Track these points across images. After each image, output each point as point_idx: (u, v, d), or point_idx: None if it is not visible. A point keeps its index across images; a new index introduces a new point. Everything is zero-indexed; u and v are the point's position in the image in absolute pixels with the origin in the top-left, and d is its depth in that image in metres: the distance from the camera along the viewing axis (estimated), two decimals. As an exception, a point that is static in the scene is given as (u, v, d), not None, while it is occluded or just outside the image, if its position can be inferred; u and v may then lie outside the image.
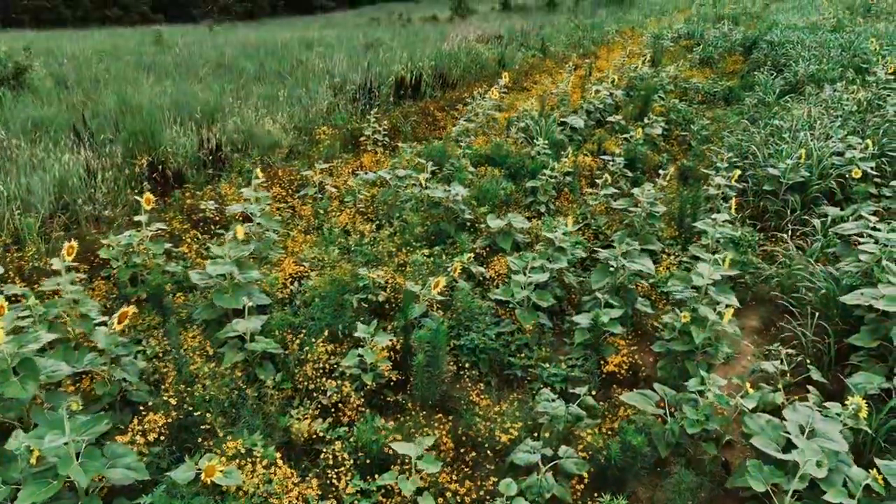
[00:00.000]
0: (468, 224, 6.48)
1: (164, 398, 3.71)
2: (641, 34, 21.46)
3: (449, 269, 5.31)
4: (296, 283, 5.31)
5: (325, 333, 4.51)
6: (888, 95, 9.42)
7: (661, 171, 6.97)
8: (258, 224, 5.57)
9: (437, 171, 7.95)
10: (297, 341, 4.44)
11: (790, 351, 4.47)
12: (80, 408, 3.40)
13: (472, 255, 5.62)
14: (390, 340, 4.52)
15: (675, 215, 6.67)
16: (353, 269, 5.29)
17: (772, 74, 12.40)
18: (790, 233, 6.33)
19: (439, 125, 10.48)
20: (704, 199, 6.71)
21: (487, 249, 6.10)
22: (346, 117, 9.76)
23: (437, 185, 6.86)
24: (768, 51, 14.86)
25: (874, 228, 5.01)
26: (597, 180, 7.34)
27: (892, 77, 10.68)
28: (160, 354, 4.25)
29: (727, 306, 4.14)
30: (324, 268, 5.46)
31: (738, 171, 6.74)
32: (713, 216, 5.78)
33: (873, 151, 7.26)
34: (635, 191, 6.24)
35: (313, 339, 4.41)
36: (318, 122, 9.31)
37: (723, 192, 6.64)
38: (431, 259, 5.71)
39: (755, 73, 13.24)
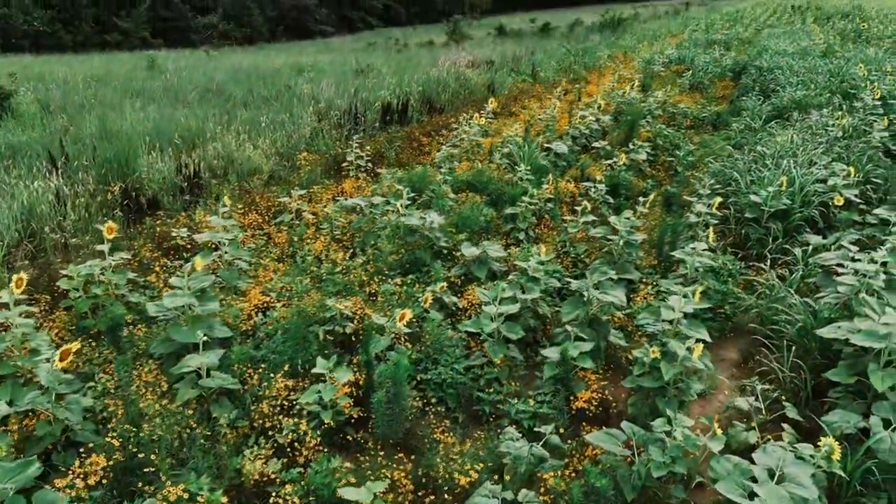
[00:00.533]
0: (444, 252, 6.37)
1: (108, 439, 3.55)
2: (633, 59, 21.57)
3: (421, 300, 5.18)
4: (261, 315, 5.17)
5: (286, 368, 4.37)
6: (874, 121, 9.37)
7: (642, 199, 6.87)
8: (226, 253, 5.45)
9: (417, 198, 7.87)
10: (256, 376, 4.29)
11: (766, 386, 4.33)
12: (3, 453, 3.24)
13: (444, 284, 5.50)
14: (354, 375, 4.38)
15: (656, 243, 6.55)
16: (322, 299, 5.16)
17: (759, 100, 12.40)
18: (771, 262, 6.21)
19: (424, 150, 10.42)
20: (686, 226, 6.60)
21: (462, 278, 5.97)
22: (330, 143, 9.70)
23: (416, 211, 6.76)
24: (757, 76, 14.90)
25: (853, 259, 4.89)
26: (578, 207, 7.23)
27: (879, 103, 10.66)
28: (112, 391, 4.10)
29: (698, 341, 4.00)
30: (291, 298, 5.32)
31: (720, 199, 6.64)
32: (692, 245, 5.68)
33: (857, 178, 7.18)
34: (612, 219, 6.13)
35: (271, 375, 4.26)
36: (301, 148, 9.24)
37: (704, 220, 6.54)
38: (404, 288, 5.59)
39: (744, 98, 13.24)
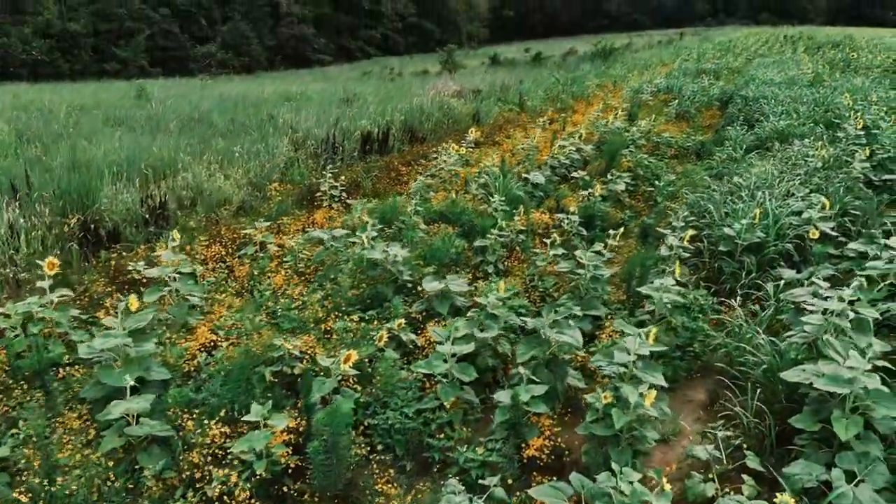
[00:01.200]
0: (409, 286, 6.18)
1: (16, 494, 3.32)
2: (622, 88, 21.65)
3: (377, 337, 4.98)
4: (207, 354, 4.95)
5: (223, 413, 4.14)
6: (855, 152, 9.26)
7: (612, 231, 6.70)
8: (175, 290, 5.26)
9: (387, 229, 7.71)
10: (191, 422, 4.07)
11: (729, 433, 4.11)
12: None
13: (402, 321, 5.30)
14: (296, 420, 4.16)
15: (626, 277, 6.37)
16: (272, 337, 4.96)
17: (744, 129, 12.32)
18: (744, 297, 6.01)
19: (402, 180, 10.29)
20: (657, 260, 6.43)
21: (424, 314, 5.77)
22: (305, 172, 9.58)
23: (381, 244, 6.58)
24: (742, 105, 14.88)
25: (823, 296, 4.70)
26: (549, 239, 7.05)
27: (862, 133, 10.57)
28: (34, 439, 3.87)
29: (652, 387, 3.78)
30: (241, 336, 5.12)
31: (692, 231, 6.48)
32: (661, 280, 5.50)
33: (835, 211, 7.02)
34: (578, 252, 5.95)
35: (206, 421, 4.03)
36: (274, 178, 9.11)
37: (676, 254, 6.36)
38: (362, 325, 5.39)
39: (729, 127, 13.18)
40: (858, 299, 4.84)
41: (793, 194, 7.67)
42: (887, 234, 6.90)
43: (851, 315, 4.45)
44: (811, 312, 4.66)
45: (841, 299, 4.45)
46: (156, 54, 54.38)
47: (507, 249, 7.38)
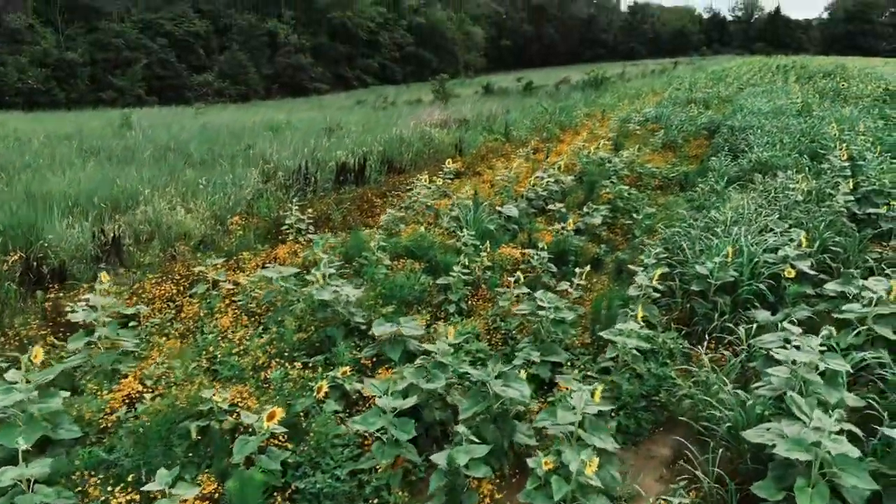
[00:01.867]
0: (361, 329, 5.84)
1: None
2: (611, 118, 21.55)
3: (318, 388, 4.63)
4: (128, 407, 4.59)
5: (130, 478, 3.78)
6: (839, 184, 8.99)
7: (579, 269, 6.39)
8: (104, 336, 4.93)
9: (349, 266, 7.41)
10: (96, 489, 3.70)
11: (686, 500, 3.74)
12: None
13: (347, 369, 4.95)
14: (216, 484, 3.80)
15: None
16: (208, 386, 4.61)
17: (728, 160, 12.08)
18: (717, 341, 5.69)
19: (375, 213, 10.02)
20: (626, 300, 6.10)
21: (375, 360, 5.42)
22: (273, 205, 9.29)
23: (338, 281, 6.26)
24: (728, 135, 14.68)
25: (792, 345, 4.36)
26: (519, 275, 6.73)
27: (847, 164, 10.32)
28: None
29: (597, 451, 3.43)
30: (170, 386, 4.77)
31: (662, 269, 6.16)
32: (626, 323, 5.17)
33: (813, 248, 6.72)
34: (538, 293, 5.62)
35: (109, 488, 3.66)
36: (239, 211, 8.84)
37: (645, 293, 6.03)
38: (306, 373, 5.04)
39: (714, 157, 12.95)
40: (831, 348, 4.52)
41: (771, 229, 7.37)
42: (870, 273, 6.60)
43: (822, 366, 4.10)
44: (780, 363, 4.32)
45: (810, 348, 4.11)
46: (153, 83, 54.78)
47: (472, 287, 7.08)
